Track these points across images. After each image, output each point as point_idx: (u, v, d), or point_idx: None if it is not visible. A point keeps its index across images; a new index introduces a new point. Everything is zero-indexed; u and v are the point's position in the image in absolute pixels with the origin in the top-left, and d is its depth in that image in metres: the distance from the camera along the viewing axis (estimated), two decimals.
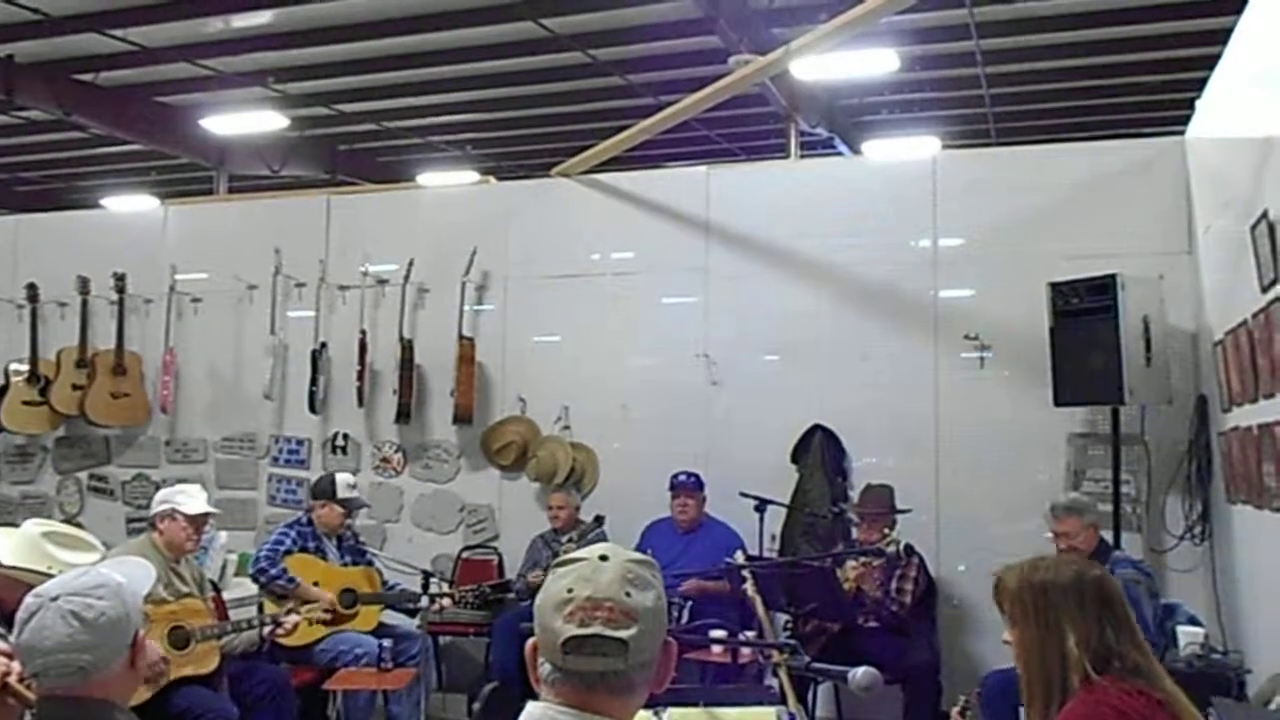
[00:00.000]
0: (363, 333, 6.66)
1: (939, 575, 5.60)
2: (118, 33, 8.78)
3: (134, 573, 2.30)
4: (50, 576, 2.35)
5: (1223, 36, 4.78)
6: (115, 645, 2.11)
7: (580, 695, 1.46)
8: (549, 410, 6.46)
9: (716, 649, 4.60)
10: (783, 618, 5.28)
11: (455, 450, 6.67)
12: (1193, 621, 4.67)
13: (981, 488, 5.72)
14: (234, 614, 4.94)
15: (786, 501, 5.84)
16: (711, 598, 5.40)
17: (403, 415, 6.56)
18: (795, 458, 5.99)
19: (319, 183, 11.79)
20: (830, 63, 8.15)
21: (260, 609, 5.20)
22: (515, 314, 6.63)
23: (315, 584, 5.25)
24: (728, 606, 5.15)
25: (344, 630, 5.21)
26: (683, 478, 5.82)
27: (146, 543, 4.58)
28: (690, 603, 5.38)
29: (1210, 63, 5.11)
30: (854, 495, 5.78)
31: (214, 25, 8.80)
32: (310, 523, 5.48)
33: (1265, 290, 3.82)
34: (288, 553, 5.29)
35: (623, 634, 1.44)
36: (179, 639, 4.35)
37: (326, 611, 5.08)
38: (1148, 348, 5.00)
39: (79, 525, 5.35)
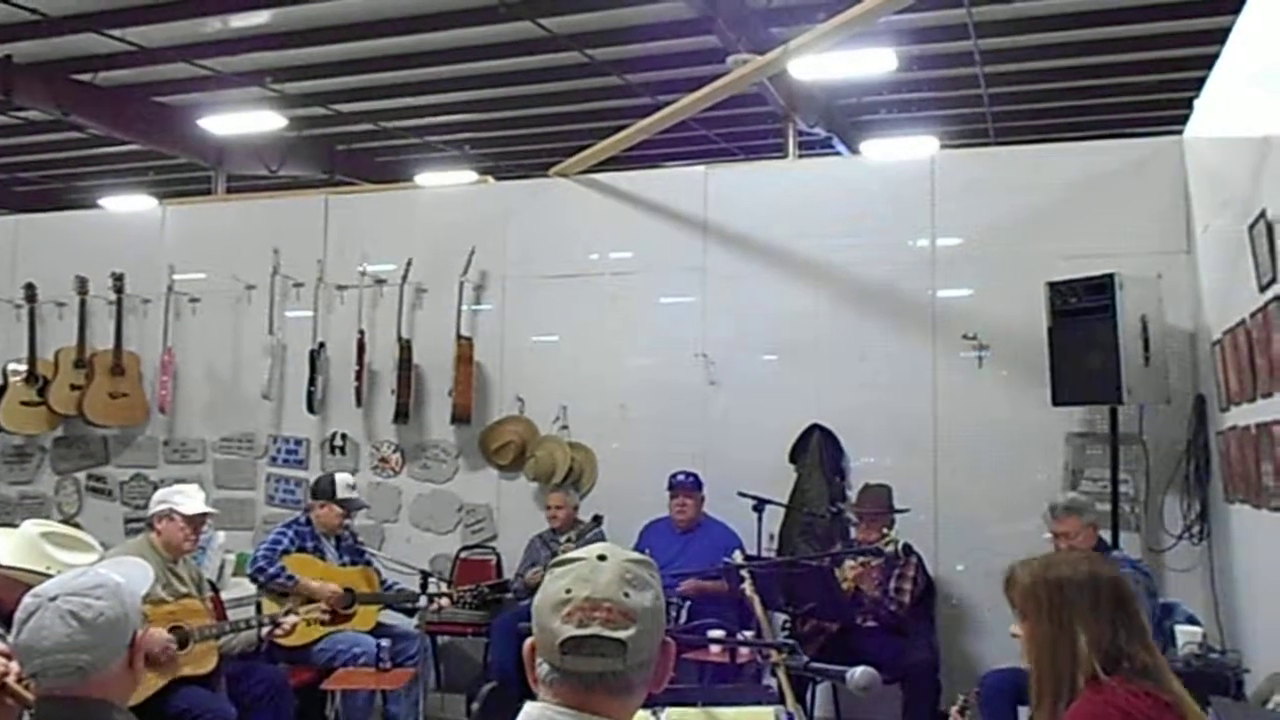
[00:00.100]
0: (361, 333, 6.65)
1: (937, 575, 5.60)
2: (116, 33, 8.78)
3: (132, 573, 2.30)
4: (49, 577, 2.35)
5: (1220, 36, 4.79)
6: (114, 645, 2.10)
7: (578, 695, 1.46)
8: (547, 410, 6.46)
9: (715, 649, 4.60)
10: (781, 617, 5.28)
11: (453, 450, 6.67)
12: (1191, 621, 4.68)
13: (980, 487, 5.73)
14: (232, 614, 4.93)
15: (785, 501, 5.84)
16: (710, 598, 5.40)
17: (401, 415, 6.55)
18: (793, 457, 5.99)
19: (317, 183, 11.78)
20: (828, 62, 8.16)
21: (258, 609, 5.20)
22: (513, 314, 6.63)
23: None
24: (726, 606, 5.15)
25: (342, 630, 5.21)
26: (681, 477, 5.82)
27: (144, 543, 4.58)
28: (688, 602, 5.38)
29: (1208, 62, 5.11)
30: (852, 495, 5.77)
31: (212, 25, 8.80)
32: (309, 522, 5.48)
33: (1263, 290, 3.82)
34: (285, 552, 5.29)
35: (621, 634, 1.44)
36: (177, 639, 4.34)
37: (325, 612, 5.07)
38: (1146, 347, 5.01)
39: (77, 525, 5.34)
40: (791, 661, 2.85)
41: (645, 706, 1.68)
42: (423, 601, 4.79)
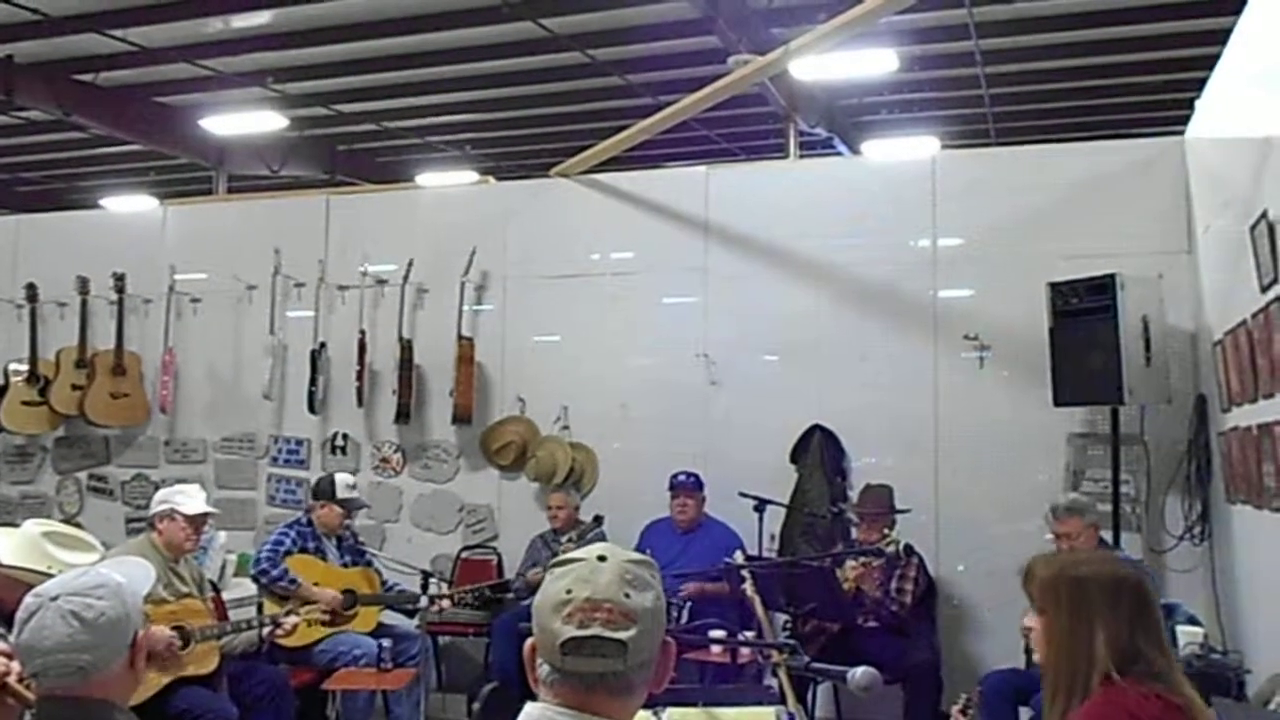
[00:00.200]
0: (362, 333, 6.66)
1: (938, 575, 5.60)
2: (117, 33, 8.79)
3: (133, 573, 2.30)
4: (50, 576, 2.35)
5: (1222, 37, 4.78)
6: (115, 645, 2.10)
7: (579, 696, 1.46)
8: (548, 410, 6.46)
9: (716, 649, 4.59)
10: (782, 618, 5.28)
11: (454, 450, 6.67)
12: (1192, 621, 4.68)
13: (981, 488, 5.73)
14: (233, 614, 4.94)
15: (786, 501, 5.84)
16: (711, 598, 5.40)
17: (402, 415, 6.55)
18: (794, 458, 5.99)
19: (318, 183, 11.79)
20: (829, 63, 8.16)
21: (260, 609, 5.20)
22: (514, 314, 6.63)
23: (315, 585, 5.25)
24: (727, 606, 5.15)
25: (343, 631, 5.21)
26: (682, 478, 5.82)
27: (146, 543, 4.58)
28: (690, 603, 5.38)
29: (1209, 63, 5.11)
30: (853, 495, 5.77)
31: (213, 26, 8.80)
32: (310, 523, 5.48)
33: (1264, 290, 3.82)
34: (287, 553, 5.29)
35: (622, 635, 1.44)
36: (179, 639, 4.35)
37: (325, 612, 5.08)
38: (1147, 348, 5.00)
39: (78, 525, 5.34)
40: (792, 662, 2.85)
41: (646, 706, 1.68)
42: (424, 602, 4.79)
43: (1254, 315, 3.98)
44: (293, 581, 5.18)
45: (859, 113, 11.11)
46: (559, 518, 5.92)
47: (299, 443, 6.93)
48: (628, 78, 9.88)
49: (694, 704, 2.83)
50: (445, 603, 5.22)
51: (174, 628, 4.34)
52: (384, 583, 5.56)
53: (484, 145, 12.58)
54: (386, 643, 4.88)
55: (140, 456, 7.24)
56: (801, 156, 9.96)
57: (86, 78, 9.68)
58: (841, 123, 11.03)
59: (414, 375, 6.58)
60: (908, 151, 10.07)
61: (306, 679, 5.04)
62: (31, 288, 7.14)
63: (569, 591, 1.46)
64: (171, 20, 8.50)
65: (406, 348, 6.59)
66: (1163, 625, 2.18)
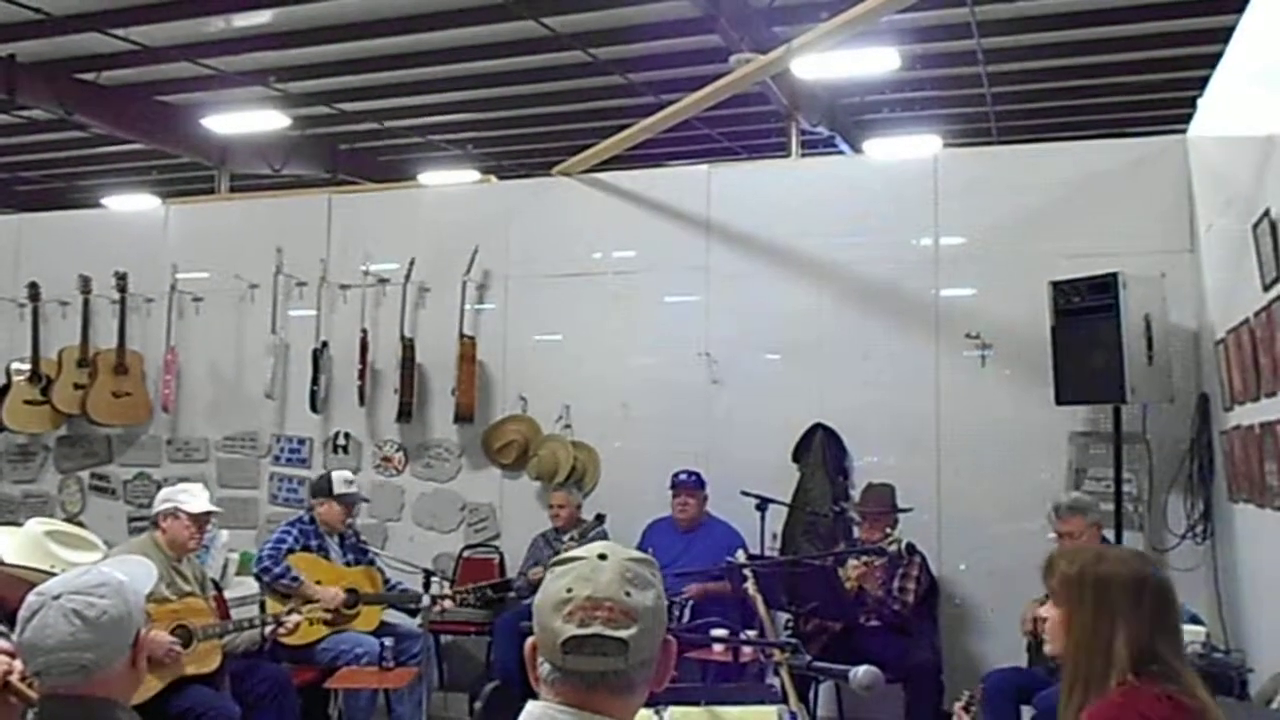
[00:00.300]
0: (364, 332, 6.66)
1: (940, 574, 5.60)
2: (119, 32, 8.78)
3: (136, 571, 2.30)
4: (53, 575, 2.35)
5: (1224, 35, 4.78)
6: (117, 644, 2.11)
7: (580, 695, 1.46)
8: (550, 409, 6.46)
9: (718, 648, 4.60)
10: (784, 617, 5.28)
11: (456, 449, 6.67)
12: (1194, 620, 4.66)
13: (983, 487, 5.72)
14: (235, 613, 4.94)
15: (788, 500, 5.84)
16: (713, 597, 5.40)
17: (404, 414, 6.56)
18: (796, 457, 5.99)
19: (320, 182, 11.79)
20: (831, 61, 8.14)
21: (262, 608, 5.20)
22: (516, 313, 6.63)
23: (318, 583, 5.25)
24: (729, 606, 5.15)
25: (345, 630, 5.21)
26: (683, 476, 5.82)
27: (148, 541, 4.59)
28: (691, 602, 5.38)
29: (1212, 61, 5.11)
30: (855, 494, 5.77)
31: (215, 25, 8.80)
32: (312, 521, 5.48)
33: (1267, 289, 3.82)
34: (290, 551, 5.30)
35: (623, 633, 1.44)
36: (181, 638, 4.35)
37: (328, 611, 5.08)
38: (1149, 346, 5.00)
39: (80, 524, 5.34)
40: (794, 661, 2.85)
41: (648, 705, 1.68)
42: (425, 601, 4.80)
43: (1256, 314, 3.98)
44: (295, 579, 5.18)
45: (861, 111, 11.10)
46: (561, 516, 5.92)
47: (301, 441, 6.94)
48: (629, 76, 9.88)
49: (696, 703, 2.83)
50: (447, 602, 5.22)
51: (176, 626, 4.35)
52: (386, 582, 5.56)
53: (486, 144, 12.58)
54: (389, 641, 4.89)
55: (142, 455, 7.25)
56: (803, 155, 9.95)
57: (88, 77, 9.68)
58: (843, 121, 11.02)
59: (416, 374, 6.58)
60: (910, 150, 10.07)
61: (309, 677, 5.04)
62: (34, 287, 7.14)
63: (570, 590, 1.46)
64: (173, 19, 8.50)
65: (408, 347, 6.59)
66: (1181, 628, 2.18)
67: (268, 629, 4.84)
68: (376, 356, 6.69)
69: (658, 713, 2.61)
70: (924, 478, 5.75)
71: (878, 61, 8.70)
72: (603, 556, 1.50)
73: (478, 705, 5.21)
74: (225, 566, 6.15)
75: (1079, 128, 10.76)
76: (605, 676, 1.45)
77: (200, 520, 4.63)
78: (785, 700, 3.24)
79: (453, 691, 6.06)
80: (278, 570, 5.19)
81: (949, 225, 5.93)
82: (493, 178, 8.47)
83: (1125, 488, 5.28)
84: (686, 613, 5.28)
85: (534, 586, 5.23)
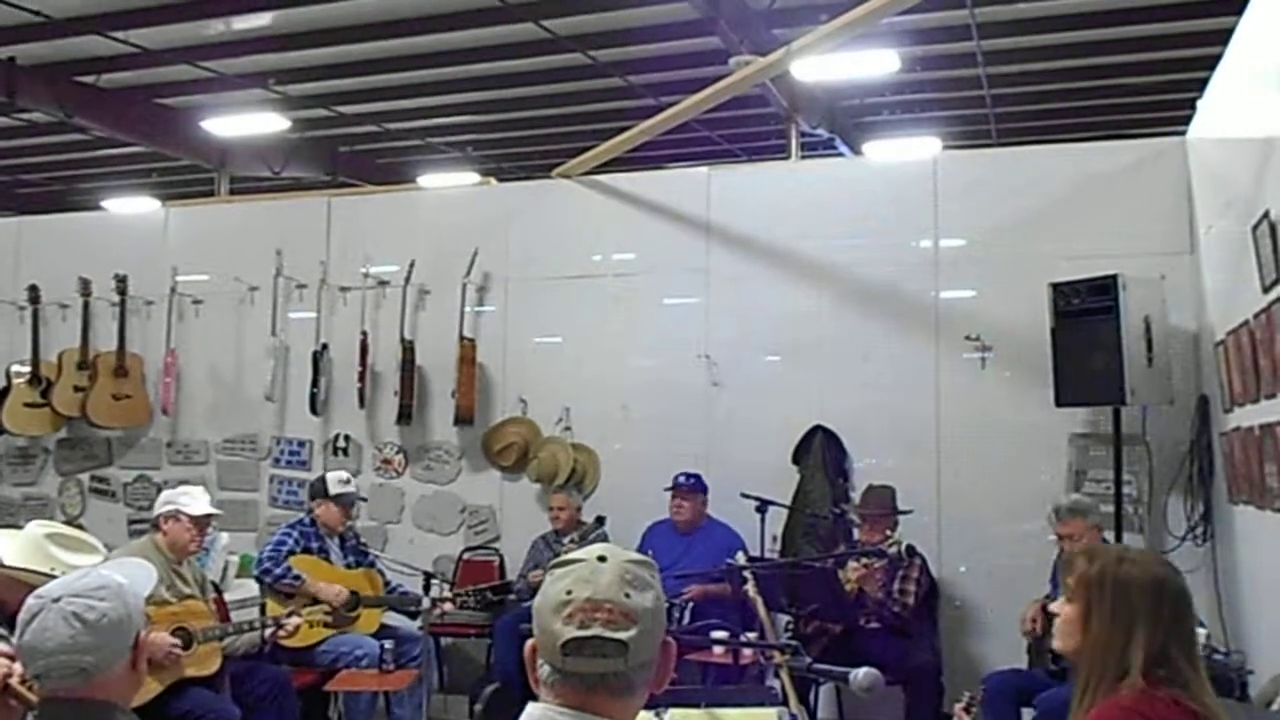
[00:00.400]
0: (364, 334, 6.66)
1: (940, 576, 5.59)
2: (119, 35, 8.79)
3: (135, 574, 2.30)
4: (53, 578, 2.35)
5: (1223, 37, 4.78)
6: (117, 647, 2.11)
7: (580, 697, 1.46)
8: (550, 411, 6.46)
9: (718, 650, 4.59)
10: (784, 619, 5.28)
11: (456, 451, 6.67)
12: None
13: (983, 488, 5.72)
14: (236, 616, 4.94)
15: (788, 502, 5.84)
16: (713, 599, 5.40)
17: (404, 416, 6.56)
18: (796, 459, 5.99)
19: (320, 184, 11.80)
20: (831, 64, 8.15)
21: (262, 610, 5.20)
22: (516, 315, 6.63)
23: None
24: (729, 608, 5.15)
25: (346, 633, 5.20)
26: (681, 479, 5.82)
27: (149, 544, 4.58)
28: (691, 604, 5.38)
29: (1211, 63, 5.11)
30: (855, 496, 5.77)
31: (215, 27, 8.81)
32: (313, 523, 5.48)
33: (1266, 290, 3.82)
34: (290, 553, 5.29)
35: (622, 635, 1.44)
36: (181, 640, 4.35)
37: (328, 613, 5.08)
38: (1149, 348, 5.00)
39: (80, 527, 5.36)
40: (794, 663, 2.85)
41: (648, 707, 1.68)
42: (426, 604, 4.79)
43: (1256, 315, 3.98)
44: (297, 578, 5.18)
45: (861, 113, 11.10)
46: (561, 519, 5.92)
47: (301, 444, 6.94)
48: (629, 79, 9.88)
49: (696, 705, 2.83)
50: (447, 605, 5.21)
51: (176, 629, 4.35)
52: (387, 584, 5.56)
53: (485, 146, 12.58)
54: (389, 644, 4.88)
55: (142, 458, 7.25)
56: (803, 157, 9.96)
57: (88, 79, 9.69)
58: (843, 123, 11.03)
59: (416, 376, 6.58)
60: (909, 152, 10.06)
61: (309, 680, 5.03)
62: (33, 289, 7.14)
63: (569, 592, 1.47)
64: (173, 22, 8.51)
65: (408, 349, 6.59)
66: (1196, 634, 2.18)
67: (268, 631, 4.84)
68: (376, 359, 6.69)
69: (658, 715, 2.61)
70: (924, 479, 5.75)
71: (877, 64, 8.71)
72: (602, 559, 1.50)
73: (478, 707, 5.21)
74: (225, 569, 6.15)
75: (1079, 130, 10.78)
76: (605, 678, 1.45)
77: (201, 523, 4.64)
78: (785, 702, 3.24)
79: (453, 694, 6.06)
80: (278, 571, 5.19)
81: (949, 227, 5.93)
82: (492, 180, 8.49)
83: (1125, 489, 5.28)
84: (686, 615, 5.28)
85: (534, 589, 5.22)
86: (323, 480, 5.56)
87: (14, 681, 2.35)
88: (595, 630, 1.44)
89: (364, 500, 6.12)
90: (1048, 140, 10.32)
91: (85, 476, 7.38)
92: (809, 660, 2.77)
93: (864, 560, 5.18)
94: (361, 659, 5.02)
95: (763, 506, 5.47)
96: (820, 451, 5.93)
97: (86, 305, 7.02)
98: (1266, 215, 3.77)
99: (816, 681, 4.73)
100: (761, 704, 3.05)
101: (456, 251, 6.55)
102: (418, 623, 5.08)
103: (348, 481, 5.59)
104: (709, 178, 6.52)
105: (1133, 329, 4.96)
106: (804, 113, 9.92)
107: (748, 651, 4.52)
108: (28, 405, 6.99)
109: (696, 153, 11.61)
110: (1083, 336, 5.11)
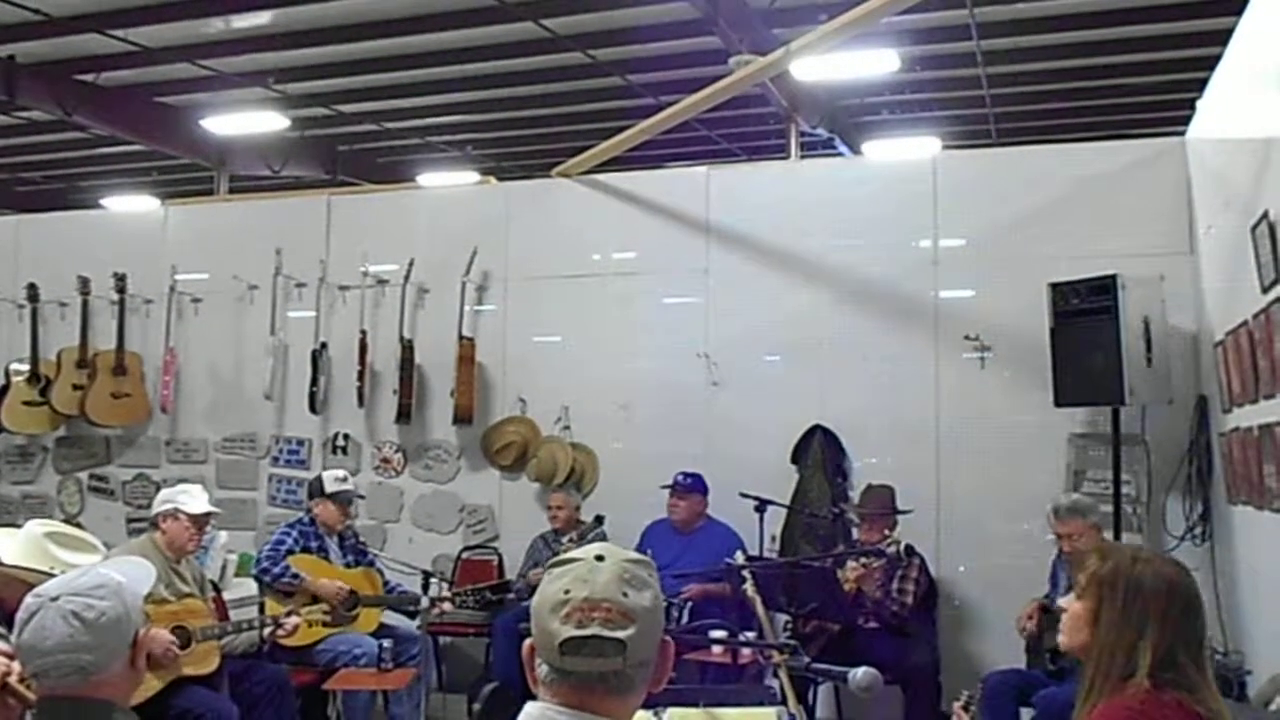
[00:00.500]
0: (363, 333, 6.66)
1: (939, 576, 5.59)
2: (119, 33, 8.79)
3: (134, 573, 2.30)
4: (52, 576, 2.35)
5: (1223, 37, 4.78)
6: (115, 645, 2.10)
7: (578, 696, 1.46)
8: (549, 410, 6.46)
9: (716, 649, 4.59)
10: (783, 618, 5.28)
11: (455, 450, 6.67)
12: None
13: (982, 488, 5.72)
14: (234, 614, 4.94)
15: (787, 502, 5.84)
16: (712, 599, 5.40)
17: (403, 415, 6.55)
18: (795, 458, 5.99)
19: (319, 183, 11.80)
20: (830, 63, 8.16)
21: (261, 609, 5.20)
22: (515, 314, 6.63)
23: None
24: (728, 607, 5.15)
25: (344, 632, 5.20)
26: (680, 478, 5.81)
27: (148, 542, 4.59)
28: (690, 603, 5.38)
29: (1210, 63, 5.11)
30: (854, 496, 5.78)
31: (214, 26, 8.81)
32: (312, 522, 5.47)
33: (1266, 291, 3.82)
34: (289, 552, 5.28)
35: (620, 634, 1.44)
36: (180, 639, 4.35)
37: (327, 613, 5.08)
38: (1148, 348, 5.00)
39: (79, 525, 5.34)
40: (793, 662, 2.85)
41: (646, 707, 1.68)
42: (424, 603, 4.80)
43: (1255, 316, 3.98)
44: (295, 577, 5.17)
45: (860, 113, 11.11)
46: (559, 518, 5.92)
47: (300, 443, 6.94)
48: (629, 78, 9.88)
49: (695, 704, 2.83)
50: (446, 604, 5.20)
51: (175, 628, 4.35)
52: (386, 583, 5.56)
53: (485, 145, 12.58)
54: (387, 643, 4.88)
55: (141, 456, 7.25)
56: (803, 157, 9.97)
57: (88, 78, 9.69)
58: (843, 123, 11.03)
59: (415, 375, 6.58)
60: (909, 152, 10.08)
61: (307, 679, 5.04)
62: (33, 288, 7.14)
63: (567, 591, 1.47)
64: (173, 20, 8.51)
65: (407, 348, 6.59)
66: (1205, 639, 2.17)
67: (266, 630, 4.84)
68: (376, 358, 6.69)
69: (656, 714, 2.61)
70: (923, 479, 5.75)
71: (877, 63, 8.72)
72: (600, 558, 1.50)
73: (476, 707, 5.20)
74: (224, 568, 6.15)
75: (1078, 129, 10.79)
76: (603, 677, 1.45)
77: (200, 521, 4.64)
78: (784, 702, 3.24)
79: (451, 693, 6.06)
80: (276, 570, 5.18)
81: (948, 227, 5.93)
82: (492, 179, 8.48)
83: (1124, 489, 5.28)
84: (685, 614, 5.28)
85: (533, 588, 5.21)
86: (320, 479, 5.56)
87: (13, 680, 2.35)
88: (593, 629, 1.44)
89: (362, 498, 6.11)
90: (1047, 140, 10.33)
91: (84, 475, 7.37)
92: (807, 660, 2.77)
93: (863, 560, 5.17)
94: (360, 658, 5.02)
95: (762, 506, 5.46)
96: (819, 451, 5.94)
97: (85, 304, 7.01)
98: (1266, 215, 3.77)
99: (815, 681, 4.73)
100: (760, 703, 3.06)
101: (456, 250, 6.55)
102: (416, 622, 5.08)
103: (345, 480, 5.58)
104: (708, 177, 6.51)
105: (1132, 329, 4.96)
106: (804, 112, 9.93)
107: (746, 651, 4.52)
108: (27, 404, 6.99)
109: (696, 152, 11.61)
110: (1082, 336, 5.11)
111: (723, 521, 5.76)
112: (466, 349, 6.47)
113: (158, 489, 5.62)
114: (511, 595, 5.93)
